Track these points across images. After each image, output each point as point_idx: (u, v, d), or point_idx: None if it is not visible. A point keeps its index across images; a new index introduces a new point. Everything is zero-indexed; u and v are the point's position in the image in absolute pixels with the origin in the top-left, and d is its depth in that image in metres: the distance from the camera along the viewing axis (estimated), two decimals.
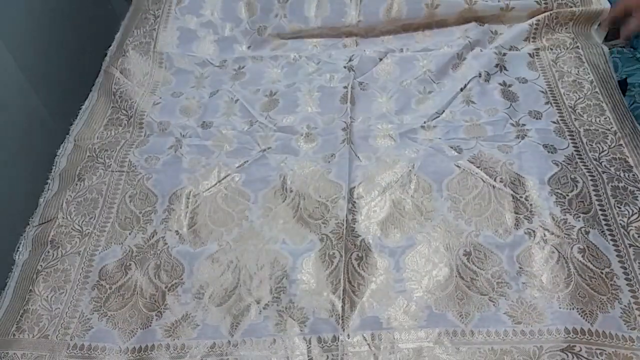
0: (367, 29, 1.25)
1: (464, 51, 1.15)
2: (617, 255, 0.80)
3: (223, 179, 0.97)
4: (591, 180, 0.89)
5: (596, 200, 0.86)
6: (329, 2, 1.27)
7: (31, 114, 1.23)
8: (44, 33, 1.37)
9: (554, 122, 1.00)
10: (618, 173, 0.90)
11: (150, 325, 0.81)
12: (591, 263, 0.79)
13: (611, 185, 0.88)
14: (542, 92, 1.07)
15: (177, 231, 0.91)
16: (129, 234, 0.91)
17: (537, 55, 1.14)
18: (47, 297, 0.85)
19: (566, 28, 1.18)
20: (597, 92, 1.04)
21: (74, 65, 1.48)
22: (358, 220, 0.89)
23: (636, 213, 0.84)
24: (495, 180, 0.91)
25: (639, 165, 0.90)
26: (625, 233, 0.82)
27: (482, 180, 0.91)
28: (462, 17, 1.22)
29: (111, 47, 1.34)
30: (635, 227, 0.82)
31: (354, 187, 0.93)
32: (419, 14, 1.22)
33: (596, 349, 0.71)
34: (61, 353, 0.79)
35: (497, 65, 1.12)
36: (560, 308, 0.75)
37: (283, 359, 0.76)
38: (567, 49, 1.14)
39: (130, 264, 0.87)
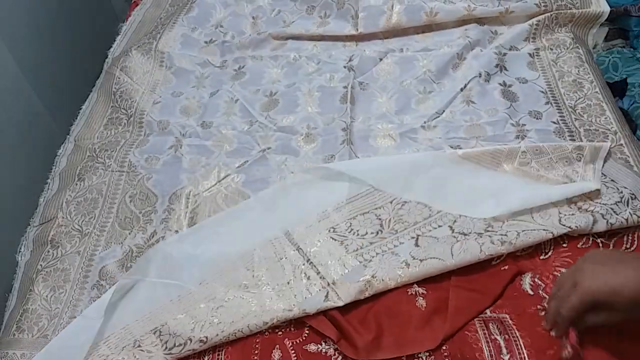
0: (367, 35, 1.26)
1: (463, 51, 1.15)
2: None
3: (223, 179, 0.97)
4: None
5: None
6: (331, 20, 1.29)
7: (31, 114, 1.23)
8: (45, 33, 1.37)
9: (554, 123, 1.00)
10: None
11: None
12: None
13: None
14: (542, 92, 1.07)
15: (177, 231, 0.90)
16: (129, 233, 0.91)
17: (537, 55, 1.14)
18: (46, 296, 0.85)
19: (566, 29, 1.18)
20: (597, 91, 1.04)
21: (74, 65, 1.47)
22: None
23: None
24: None
25: (639, 165, 0.90)
26: None
27: None
28: (462, 21, 1.23)
29: (112, 49, 1.34)
30: None
31: None
32: (419, 22, 1.23)
33: None
34: None
35: (497, 66, 1.12)
36: None
37: None
38: (567, 48, 1.14)
39: (130, 264, 0.87)
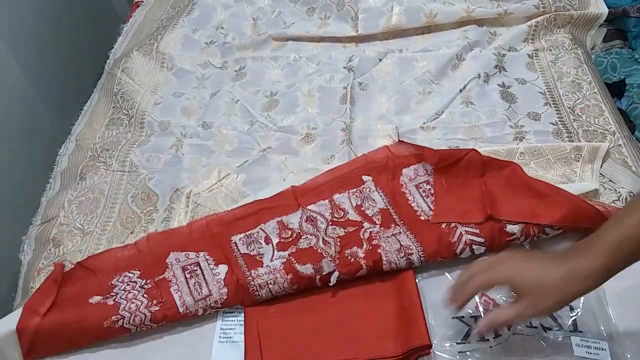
0: (367, 36, 1.27)
1: (463, 52, 1.16)
2: None
3: (223, 178, 0.98)
4: None
5: None
6: (331, 21, 1.30)
7: (33, 114, 1.24)
8: (46, 34, 1.38)
9: (552, 124, 1.00)
10: None
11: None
12: None
13: None
14: (541, 93, 1.07)
15: None
16: (131, 233, 0.92)
17: (536, 56, 1.15)
18: None
19: (564, 30, 1.19)
20: (596, 92, 1.05)
21: (75, 66, 1.48)
22: None
23: None
24: None
25: (637, 165, 0.91)
26: None
27: None
28: (461, 22, 1.23)
29: (113, 50, 1.34)
30: None
31: None
32: (418, 23, 1.24)
33: None
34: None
35: (496, 66, 1.12)
36: None
37: None
38: (566, 49, 1.15)
39: None
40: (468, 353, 0.71)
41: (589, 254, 0.56)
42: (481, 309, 0.74)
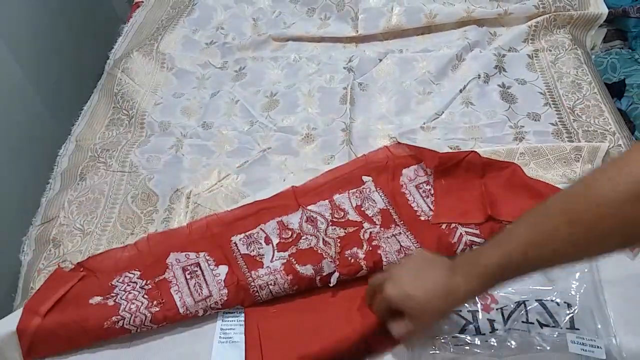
0: (367, 37, 1.27)
1: (463, 52, 1.16)
2: None
3: (223, 178, 0.98)
4: None
5: None
6: (331, 22, 1.30)
7: (33, 114, 1.24)
8: (46, 33, 1.38)
9: (552, 124, 1.00)
10: None
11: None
12: None
13: None
14: (541, 93, 1.07)
15: None
16: (131, 233, 0.92)
17: (536, 57, 1.15)
18: None
19: (564, 30, 1.19)
20: (595, 92, 1.05)
21: (75, 66, 1.48)
22: None
23: None
24: None
25: None
26: None
27: None
28: (461, 22, 1.23)
29: (114, 50, 1.35)
30: None
31: None
32: (418, 23, 1.24)
33: None
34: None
35: (496, 67, 1.12)
36: None
37: None
38: (565, 50, 1.15)
39: None
40: (467, 348, 0.71)
41: (469, 275, 0.60)
42: (479, 304, 0.74)
